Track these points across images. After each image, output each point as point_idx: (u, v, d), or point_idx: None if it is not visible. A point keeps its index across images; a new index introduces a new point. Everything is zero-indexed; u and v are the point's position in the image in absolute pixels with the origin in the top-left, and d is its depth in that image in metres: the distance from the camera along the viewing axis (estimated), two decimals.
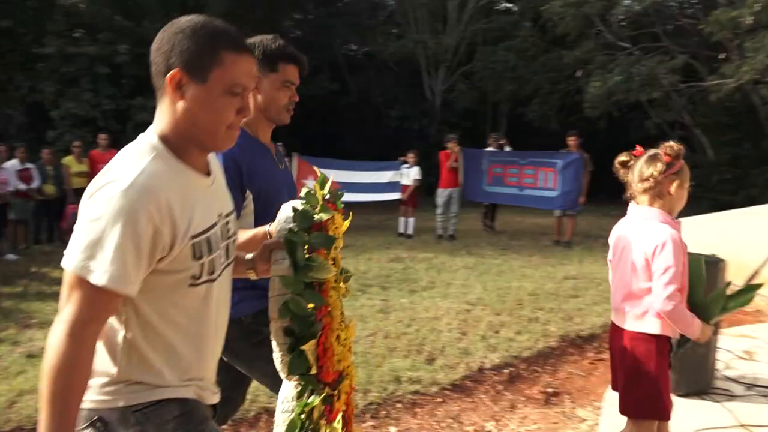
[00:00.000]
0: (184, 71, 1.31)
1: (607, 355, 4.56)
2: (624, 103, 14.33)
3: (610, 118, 15.82)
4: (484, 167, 10.76)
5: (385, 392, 3.71)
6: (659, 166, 2.30)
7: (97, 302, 1.23)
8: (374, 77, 18.87)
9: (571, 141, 9.69)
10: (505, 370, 4.13)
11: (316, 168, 1.92)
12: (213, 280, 1.42)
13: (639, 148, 2.45)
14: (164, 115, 1.36)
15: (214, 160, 1.54)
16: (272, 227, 1.83)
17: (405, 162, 10.80)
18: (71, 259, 1.22)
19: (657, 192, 2.33)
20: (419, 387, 3.77)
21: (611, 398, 3.54)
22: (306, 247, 1.65)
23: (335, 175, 11.36)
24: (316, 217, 1.69)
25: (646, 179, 2.33)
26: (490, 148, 11.43)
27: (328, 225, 1.72)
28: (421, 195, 10.98)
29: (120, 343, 1.33)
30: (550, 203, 9.95)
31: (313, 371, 1.67)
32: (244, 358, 2.16)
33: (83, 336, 1.22)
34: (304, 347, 1.66)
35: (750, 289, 2.48)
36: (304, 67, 2.21)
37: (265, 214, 2.03)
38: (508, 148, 11.57)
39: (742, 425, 3.01)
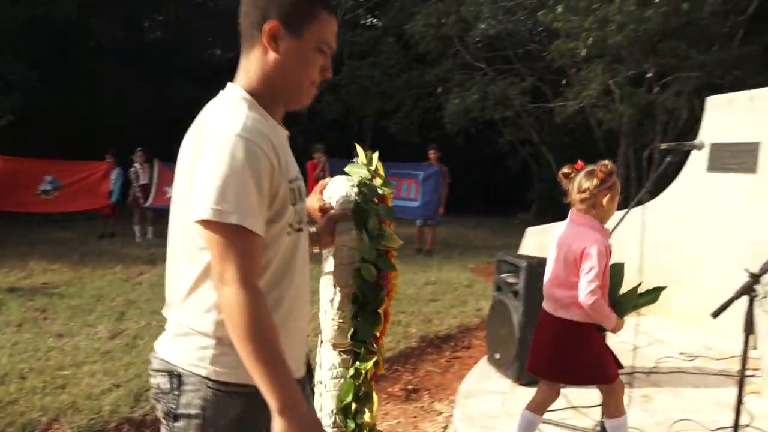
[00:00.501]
0: (282, 24, 1.34)
1: (462, 353, 4.95)
2: (480, 121, 15.31)
3: (468, 135, 16.80)
4: None
5: None
6: (595, 180, 2.69)
7: (249, 246, 1.23)
8: None
9: (432, 154, 10.23)
10: None
11: (358, 147, 1.98)
12: (301, 230, 1.45)
13: (580, 163, 2.83)
14: (253, 67, 1.38)
15: None
16: (311, 202, 1.88)
17: None
18: (206, 211, 1.22)
19: (592, 203, 2.70)
20: None
21: (465, 391, 3.86)
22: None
23: None
24: (379, 190, 1.84)
25: (584, 191, 2.70)
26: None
27: (387, 198, 1.86)
28: None
29: (216, 300, 1.30)
30: (412, 213, 10.40)
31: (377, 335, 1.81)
32: None
33: (253, 284, 1.23)
34: (379, 311, 1.78)
35: (656, 290, 2.84)
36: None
37: None
38: None
39: (573, 407, 3.42)
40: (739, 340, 4.67)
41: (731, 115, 5.33)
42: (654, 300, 2.84)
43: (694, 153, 5.66)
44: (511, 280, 4.02)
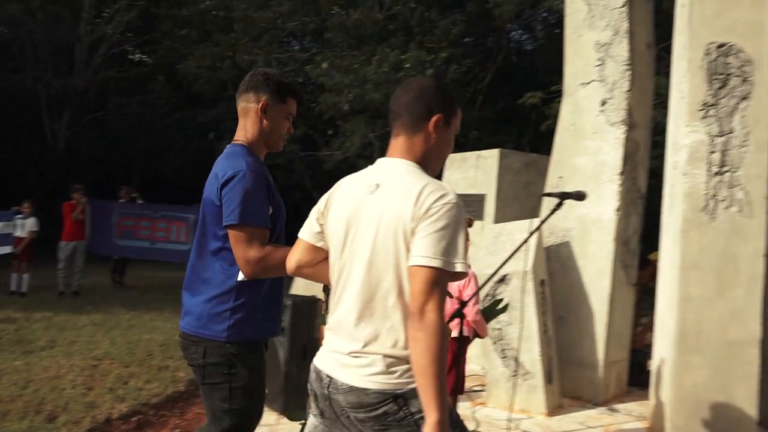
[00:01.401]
0: (443, 116, 1.78)
1: None
2: None
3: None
4: (114, 220, 10.47)
5: None
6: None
7: (446, 287, 1.61)
8: None
9: None
10: (134, 418, 4.23)
11: None
12: None
13: None
14: (418, 147, 1.79)
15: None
16: None
17: (19, 212, 9.77)
18: (436, 261, 1.57)
19: None
20: None
21: None
22: None
23: None
24: None
25: None
26: (121, 201, 11.16)
27: None
28: (39, 248, 10.03)
29: None
30: (182, 256, 10.19)
31: None
32: (209, 384, 2.15)
33: (443, 317, 1.57)
34: None
35: (499, 301, 3.70)
36: (302, 104, 2.36)
37: (273, 230, 2.21)
38: (140, 201, 11.46)
39: None
40: (474, 362, 5.48)
41: (464, 171, 6.33)
42: (505, 309, 3.69)
43: None
44: None
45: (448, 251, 1.59)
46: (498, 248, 4.73)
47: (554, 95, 9.16)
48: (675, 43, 4.23)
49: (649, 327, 5.40)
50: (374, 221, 1.69)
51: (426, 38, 12.77)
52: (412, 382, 1.61)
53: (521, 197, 6.09)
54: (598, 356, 4.79)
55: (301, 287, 8.02)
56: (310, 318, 4.26)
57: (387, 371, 1.65)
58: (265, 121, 2.27)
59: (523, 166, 6.19)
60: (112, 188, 15.53)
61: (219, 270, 2.16)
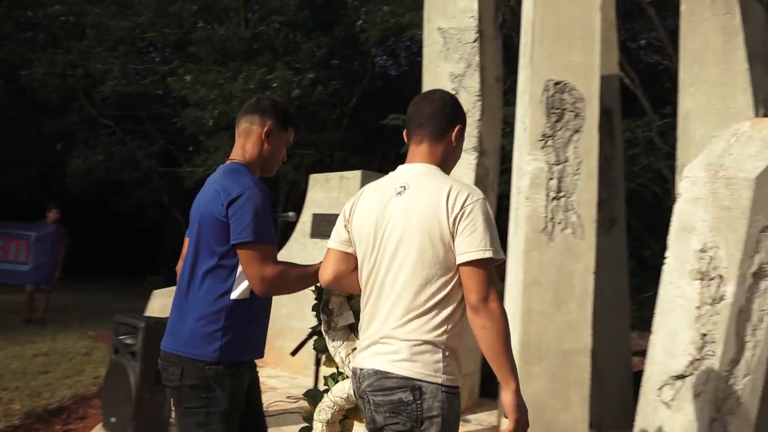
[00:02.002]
0: (461, 127, 2.00)
1: (75, 425, 4.71)
2: (108, 180, 14.63)
3: (94, 192, 15.83)
4: None
5: None
6: None
7: (493, 273, 1.76)
8: None
9: (50, 214, 9.45)
10: None
11: None
12: None
13: None
14: (439, 152, 1.97)
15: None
16: None
17: None
18: (488, 252, 1.74)
19: None
20: None
21: None
22: None
23: None
24: None
25: None
26: None
27: None
28: None
29: (449, 313, 1.79)
30: (21, 278, 9.33)
31: None
32: (184, 408, 2.09)
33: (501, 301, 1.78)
34: None
35: None
36: (298, 134, 2.39)
37: None
38: None
39: None
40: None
41: (328, 191, 6.42)
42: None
43: (301, 220, 6.58)
44: (129, 341, 4.07)
45: (494, 241, 1.78)
46: None
47: None
48: (519, 79, 4.63)
49: None
50: (406, 220, 1.83)
51: (292, 59, 12.82)
52: (433, 377, 1.75)
53: None
54: None
55: (159, 309, 7.67)
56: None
57: (411, 359, 1.76)
58: (266, 145, 2.32)
59: None
60: None
61: (209, 288, 2.14)
